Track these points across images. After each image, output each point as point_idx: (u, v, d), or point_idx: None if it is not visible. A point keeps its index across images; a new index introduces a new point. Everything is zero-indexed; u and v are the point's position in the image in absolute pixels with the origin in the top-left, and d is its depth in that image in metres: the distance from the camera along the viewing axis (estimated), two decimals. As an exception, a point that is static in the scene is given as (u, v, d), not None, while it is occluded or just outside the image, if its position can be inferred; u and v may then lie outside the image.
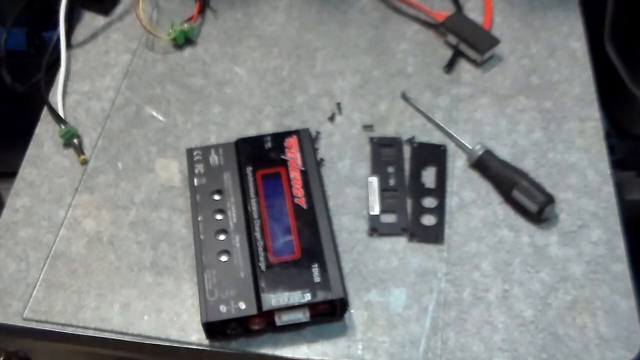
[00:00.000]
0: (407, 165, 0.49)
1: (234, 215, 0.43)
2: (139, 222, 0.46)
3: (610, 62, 0.57)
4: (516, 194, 0.45)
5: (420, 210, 0.46)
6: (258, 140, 0.47)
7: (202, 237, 0.42)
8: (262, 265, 0.41)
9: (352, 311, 0.42)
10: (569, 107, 0.51)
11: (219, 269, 0.41)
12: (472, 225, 0.46)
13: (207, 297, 0.40)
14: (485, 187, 0.47)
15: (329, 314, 0.41)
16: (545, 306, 0.42)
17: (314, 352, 0.41)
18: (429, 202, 0.47)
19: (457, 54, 0.55)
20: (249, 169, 0.45)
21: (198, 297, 0.40)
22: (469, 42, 0.54)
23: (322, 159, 0.49)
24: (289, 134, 0.47)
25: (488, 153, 0.47)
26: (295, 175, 0.45)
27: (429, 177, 0.48)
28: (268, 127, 0.51)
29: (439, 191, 0.47)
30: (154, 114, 0.52)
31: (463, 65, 0.54)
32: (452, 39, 0.55)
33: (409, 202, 0.47)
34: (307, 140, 0.47)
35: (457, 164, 0.49)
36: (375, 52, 0.56)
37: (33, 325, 0.42)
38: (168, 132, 0.51)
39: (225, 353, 0.41)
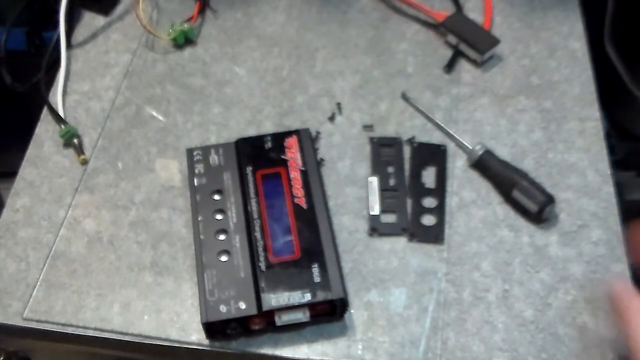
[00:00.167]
0: (407, 165, 0.49)
1: (234, 215, 0.43)
2: (139, 222, 0.46)
3: (610, 62, 0.57)
4: (516, 194, 0.45)
5: (420, 210, 0.46)
6: (258, 140, 0.47)
7: (202, 237, 0.42)
8: (262, 265, 0.41)
9: (352, 311, 0.42)
10: (569, 107, 0.51)
11: (219, 269, 0.41)
12: (472, 225, 0.46)
13: (207, 297, 0.40)
14: (485, 187, 0.47)
15: (329, 314, 0.41)
16: (545, 306, 0.42)
17: (314, 352, 0.41)
18: (429, 202, 0.47)
19: (457, 54, 0.55)
20: (249, 169, 0.45)
21: (198, 297, 0.40)
22: (469, 42, 0.54)
23: (322, 159, 0.49)
24: (289, 134, 0.47)
25: (488, 153, 0.47)
26: (295, 175, 0.45)
27: (429, 177, 0.48)
28: (268, 127, 0.51)
29: (439, 191, 0.47)
30: (154, 114, 0.52)
31: (463, 65, 0.54)
32: (452, 39, 0.55)
33: (409, 202, 0.47)
34: (307, 140, 0.47)
35: (457, 164, 0.49)
36: (375, 52, 0.56)
37: (33, 325, 0.42)
38: (168, 132, 0.51)
39: (225, 353, 0.41)
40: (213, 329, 0.40)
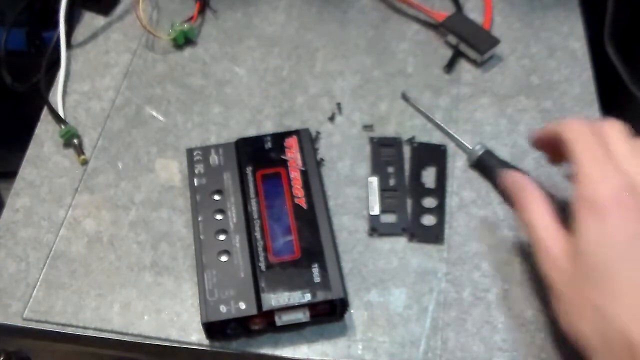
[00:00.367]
0: (407, 165, 0.49)
1: (234, 215, 0.43)
2: (139, 222, 0.46)
3: (610, 62, 0.57)
4: None
5: (420, 210, 0.46)
6: (258, 140, 0.47)
7: (202, 237, 0.42)
8: (262, 265, 0.41)
9: (352, 311, 0.42)
10: (569, 107, 0.51)
11: (219, 269, 0.41)
12: (472, 225, 0.46)
13: (207, 297, 0.40)
14: (485, 187, 0.47)
15: (329, 314, 0.41)
16: (546, 306, 0.42)
17: (314, 352, 0.41)
18: (429, 202, 0.47)
19: (457, 54, 0.55)
20: (249, 169, 0.45)
21: (198, 297, 0.40)
22: (469, 42, 0.54)
23: (322, 159, 0.49)
24: (289, 134, 0.47)
25: (488, 153, 0.47)
26: (295, 175, 0.45)
27: (429, 177, 0.48)
28: (268, 127, 0.51)
29: (439, 191, 0.47)
30: (154, 114, 0.52)
31: (463, 65, 0.54)
32: (452, 39, 0.55)
33: (409, 202, 0.47)
34: (307, 140, 0.47)
35: (457, 164, 0.49)
36: (375, 52, 0.56)
37: (33, 325, 0.42)
38: (168, 132, 0.51)
39: (225, 353, 0.41)
40: (213, 329, 0.40)
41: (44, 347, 0.47)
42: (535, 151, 0.48)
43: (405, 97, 0.52)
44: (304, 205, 0.43)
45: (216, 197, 0.44)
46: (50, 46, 0.54)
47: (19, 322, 0.42)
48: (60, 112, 0.52)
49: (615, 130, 0.38)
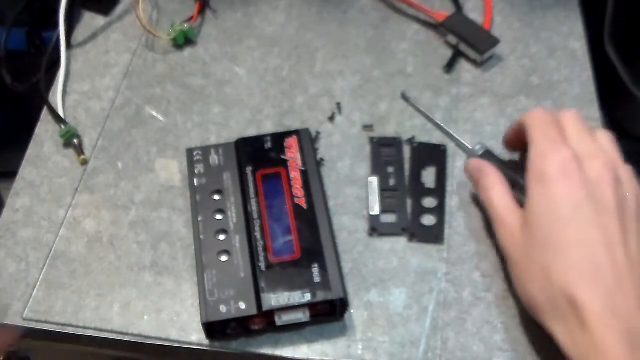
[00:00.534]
0: (407, 165, 0.49)
1: (234, 215, 0.43)
2: (139, 222, 0.46)
3: (610, 62, 0.57)
4: (515, 194, 0.45)
5: (420, 210, 0.46)
6: (258, 140, 0.47)
7: (202, 237, 0.42)
8: (262, 265, 0.41)
9: (352, 311, 0.42)
10: (569, 107, 0.51)
11: (219, 269, 0.41)
12: (472, 225, 0.46)
13: (207, 297, 0.40)
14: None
15: (329, 314, 0.41)
16: (545, 306, 0.42)
17: (314, 352, 0.41)
18: (429, 202, 0.47)
19: (457, 54, 0.55)
20: (249, 169, 0.45)
21: (198, 297, 0.40)
22: (469, 42, 0.54)
23: (322, 159, 0.49)
24: (289, 134, 0.47)
25: (488, 153, 0.47)
26: (295, 175, 0.45)
27: (429, 177, 0.48)
28: (268, 127, 0.51)
29: (439, 191, 0.47)
30: (154, 114, 0.52)
31: (463, 65, 0.54)
32: (452, 39, 0.55)
33: (409, 202, 0.47)
34: (307, 140, 0.47)
35: (457, 164, 0.49)
36: (375, 52, 0.56)
37: (33, 325, 0.42)
38: (168, 132, 0.51)
39: (225, 353, 0.41)
40: (213, 329, 0.40)
41: (44, 347, 0.47)
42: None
43: (405, 97, 0.52)
44: (304, 205, 0.43)
45: (216, 197, 0.44)
46: (50, 46, 0.54)
47: (19, 322, 0.42)
48: (60, 112, 0.52)
49: (570, 115, 0.41)
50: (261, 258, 0.41)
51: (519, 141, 0.43)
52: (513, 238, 0.40)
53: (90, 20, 0.59)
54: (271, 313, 0.39)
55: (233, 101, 0.53)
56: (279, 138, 0.47)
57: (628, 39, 0.60)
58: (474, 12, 0.58)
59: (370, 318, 0.42)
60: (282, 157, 0.45)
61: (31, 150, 0.50)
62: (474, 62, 0.54)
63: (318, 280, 0.40)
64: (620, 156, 0.40)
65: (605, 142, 0.40)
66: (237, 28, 0.58)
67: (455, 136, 0.49)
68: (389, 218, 0.46)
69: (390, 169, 0.48)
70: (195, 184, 0.45)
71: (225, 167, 0.46)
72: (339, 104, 0.52)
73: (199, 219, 0.43)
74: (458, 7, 0.58)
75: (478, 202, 0.47)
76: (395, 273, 0.44)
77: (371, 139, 0.50)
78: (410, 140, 0.50)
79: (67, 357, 0.51)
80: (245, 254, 0.41)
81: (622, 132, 0.64)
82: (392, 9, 0.59)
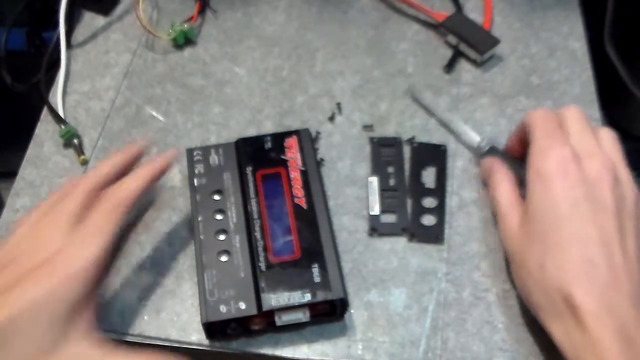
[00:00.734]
0: (407, 165, 0.49)
1: (234, 215, 0.43)
2: (139, 222, 0.46)
3: (610, 62, 0.57)
4: (522, 191, 0.44)
5: (420, 210, 0.46)
6: (258, 140, 0.47)
7: (202, 237, 0.42)
8: (262, 265, 0.41)
9: (352, 311, 0.42)
10: (569, 107, 0.51)
11: (219, 269, 0.41)
12: (472, 225, 0.46)
13: (207, 297, 0.40)
14: (485, 187, 0.47)
15: (329, 314, 0.41)
16: (545, 306, 0.42)
17: (314, 352, 0.41)
18: (429, 202, 0.47)
19: (457, 54, 0.55)
20: (249, 169, 0.45)
21: (198, 297, 0.40)
22: (469, 42, 0.54)
23: (322, 159, 0.49)
24: (289, 134, 0.47)
25: (493, 149, 0.47)
26: (295, 175, 0.45)
27: (429, 177, 0.48)
28: (268, 127, 0.51)
29: (439, 191, 0.47)
30: (154, 114, 0.52)
31: (463, 65, 0.54)
32: (452, 39, 0.55)
33: (409, 202, 0.47)
34: (307, 140, 0.47)
35: (457, 164, 0.49)
36: (375, 52, 0.56)
37: (33, 325, 0.42)
38: (168, 132, 0.51)
39: (225, 353, 0.41)
40: (213, 329, 0.40)
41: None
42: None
43: (411, 93, 0.52)
44: (304, 205, 0.43)
45: (216, 197, 0.44)
46: (50, 46, 0.54)
47: (19, 322, 0.42)
48: (60, 112, 0.52)
49: (572, 112, 0.42)
50: (261, 258, 0.41)
51: (522, 144, 0.44)
52: (512, 233, 0.40)
53: (90, 20, 0.59)
54: (271, 313, 0.39)
55: (233, 101, 0.53)
56: (279, 138, 0.47)
57: (628, 39, 0.59)
58: (474, 12, 0.58)
59: (370, 318, 0.42)
60: (282, 157, 0.45)
61: (31, 150, 0.50)
62: (474, 62, 0.54)
63: (318, 280, 0.40)
64: (622, 155, 0.40)
65: (607, 140, 0.41)
66: (237, 28, 0.58)
67: (461, 131, 0.49)
68: (389, 218, 0.46)
69: (390, 169, 0.48)
70: (195, 184, 0.45)
71: (225, 167, 0.46)
72: (339, 104, 0.52)
73: (199, 219, 0.43)
74: (458, 7, 0.58)
75: (478, 202, 0.47)
76: (395, 273, 0.44)
77: (371, 139, 0.50)
78: (410, 140, 0.50)
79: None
80: (245, 254, 0.41)
81: (622, 132, 0.64)
82: (392, 9, 0.59)
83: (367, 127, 0.51)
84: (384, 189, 0.47)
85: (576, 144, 0.40)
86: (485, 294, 0.43)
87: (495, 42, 0.54)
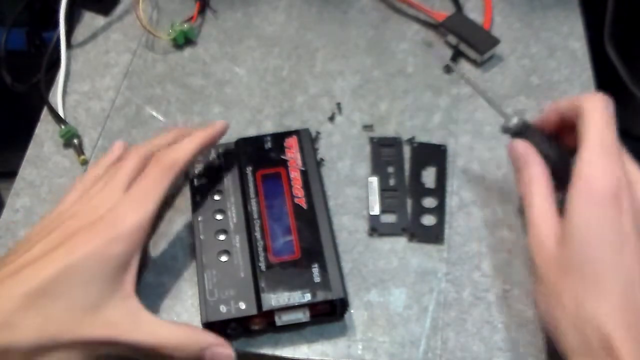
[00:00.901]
0: (407, 165, 0.49)
1: (234, 215, 0.43)
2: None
3: (611, 62, 0.57)
4: (556, 194, 0.42)
5: (420, 210, 0.46)
6: (258, 140, 0.47)
7: (202, 237, 0.42)
8: (262, 265, 0.41)
9: (352, 311, 0.42)
10: (569, 107, 0.51)
11: (219, 269, 0.41)
12: (472, 225, 0.46)
13: (207, 297, 0.40)
14: (485, 187, 0.47)
15: (329, 314, 0.41)
16: (545, 306, 0.42)
17: (314, 352, 0.41)
18: (429, 202, 0.47)
19: (457, 54, 0.55)
20: (249, 169, 0.45)
21: (198, 297, 0.40)
22: (469, 42, 0.54)
23: (322, 159, 0.49)
24: (289, 134, 0.47)
25: (526, 127, 0.41)
26: (295, 175, 0.45)
27: (429, 177, 0.48)
28: (268, 127, 0.51)
29: (439, 191, 0.47)
30: (154, 114, 0.52)
31: (463, 65, 0.54)
32: (452, 39, 0.55)
33: (409, 202, 0.47)
34: (307, 140, 0.47)
35: (457, 164, 0.49)
36: (375, 52, 0.56)
37: (33, 325, 0.42)
38: (168, 132, 0.51)
39: (225, 353, 0.41)
40: (213, 329, 0.40)
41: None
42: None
43: (448, 68, 0.52)
44: (304, 205, 0.43)
45: (216, 197, 0.44)
46: (50, 46, 0.54)
47: (19, 322, 0.42)
48: (60, 112, 0.52)
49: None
50: (261, 258, 0.41)
51: (561, 123, 0.39)
52: (546, 252, 0.36)
53: (90, 20, 0.59)
54: (271, 313, 0.39)
55: (233, 101, 0.53)
56: (279, 138, 0.47)
57: (628, 39, 0.59)
58: (474, 12, 0.58)
59: (370, 318, 0.42)
60: (282, 157, 0.45)
61: (31, 150, 0.50)
62: (474, 62, 0.54)
63: (318, 280, 0.40)
64: None
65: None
66: (237, 28, 0.58)
67: (491, 103, 0.44)
68: (389, 218, 0.46)
69: (390, 169, 0.48)
70: (195, 184, 0.45)
71: (225, 167, 0.46)
72: (339, 104, 0.52)
73: (199, 219, 0.43)
74: (458, 7, 0.58)
75: (478, 202, 0.47)
76: (395, 273, 0.44)
77: (371, 139, 0.50)
78: (410, 140, 0.50)
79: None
80: (245, 254, 0.41)
81: (622, 132, 0.64)
82: (392, 9, 0.59)
83: (367, 127, 0.51)
84: (384, 189, 0.47)
85: (629, 166, 0.36)
86: (485, 294, 0.43)
87: (495, 42, 0.54)
